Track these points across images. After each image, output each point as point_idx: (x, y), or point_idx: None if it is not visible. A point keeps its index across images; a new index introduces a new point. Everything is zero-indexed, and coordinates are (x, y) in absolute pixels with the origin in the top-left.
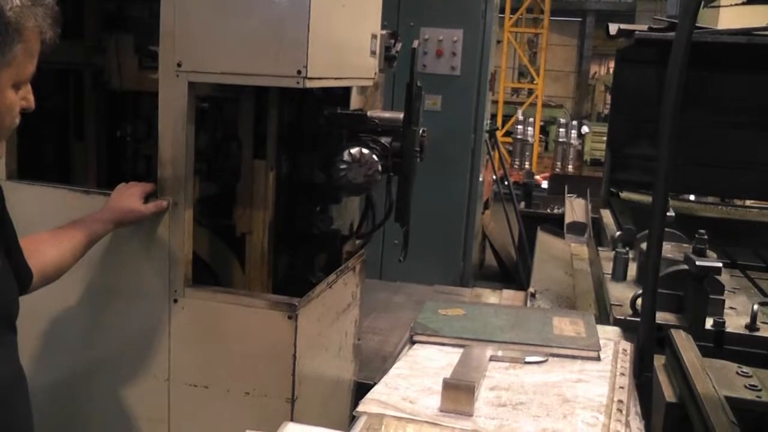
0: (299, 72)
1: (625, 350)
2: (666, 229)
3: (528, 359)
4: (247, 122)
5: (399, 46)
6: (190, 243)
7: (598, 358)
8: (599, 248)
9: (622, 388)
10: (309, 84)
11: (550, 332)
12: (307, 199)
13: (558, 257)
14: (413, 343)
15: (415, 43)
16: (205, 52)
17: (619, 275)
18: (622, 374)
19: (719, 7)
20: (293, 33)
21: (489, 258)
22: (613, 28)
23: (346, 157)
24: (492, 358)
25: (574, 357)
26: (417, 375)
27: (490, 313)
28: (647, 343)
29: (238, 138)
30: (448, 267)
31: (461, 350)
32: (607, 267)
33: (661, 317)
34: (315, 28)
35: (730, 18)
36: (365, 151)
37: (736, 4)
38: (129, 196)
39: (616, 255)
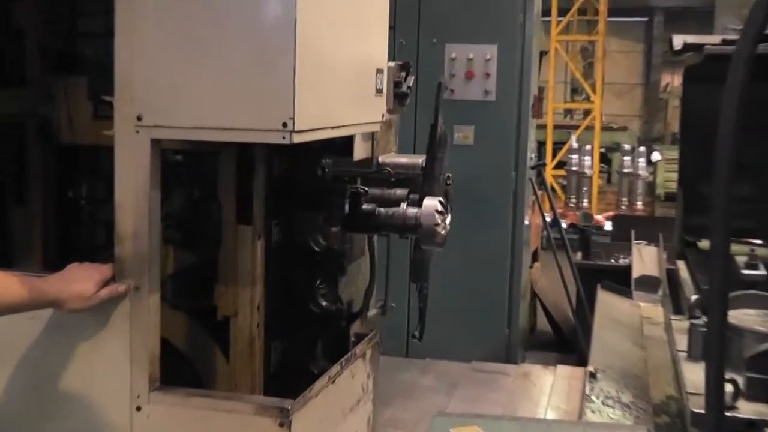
0: (285, 125)
1: None
2: (757, 292)
3: None
4: (229, 180)
5: (411, 79)
6: (157, 337)
7: None
8: (672, 317)
9: None
10: (297, 138)
11: None
12: (305, 270)
13: (623, 322)
14: None
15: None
16: (170, 102)
17: (697, 353)
18: None
19: None
20: (276, 78)
21: (541, 321)
22: (678, 41)
23: (440, 208)
24: None
25: None
26: None
27: (514, 430)
28: None
29: (218, 199)
30: (491, 336)
31: None
32: (682, 341)
33: (753, 410)
34: (303, 70)
35: None
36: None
37: None
38: (83, 280)
39: (691, 327)
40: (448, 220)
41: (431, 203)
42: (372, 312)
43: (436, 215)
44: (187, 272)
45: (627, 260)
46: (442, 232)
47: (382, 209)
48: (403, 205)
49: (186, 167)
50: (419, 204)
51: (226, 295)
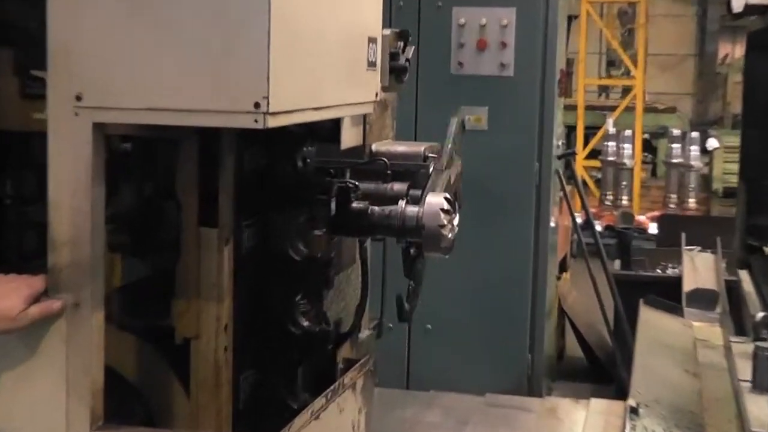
0: (257, 105)
1: None
2: None
3: None
4: (190, 174)
5: (410, 50)
6: (101, 363)
7: None
8: (733, 339)
9: None
10: (273, 122)
11: None
12: (283, 283)
13: (672, 346)
14: None
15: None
16: (117, 78)
17: (764, 382)
18: None
19: None
20: (246, 49)
21: (571, 344)
22: (738, 2)
23: (446, 206)
24: None
25: None
26: None
27: None
28: None
29: (176, 196)
30: (508, 362)
31: None
32: (745, 369)
33: None
34: (279, 39)
35: None
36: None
37: None
38: (7, 295)
39: (756, 351)
40: (456, 221)
41: (435, 200)
42: (364, 333)
43: (442, 215)
44: (139, 285)
45: (676, 270)
46: (449, 235)
47: (376, 208)
48: (402, 203)
49: (137, 158)
50: (421, 201)
51: (187, 313)
